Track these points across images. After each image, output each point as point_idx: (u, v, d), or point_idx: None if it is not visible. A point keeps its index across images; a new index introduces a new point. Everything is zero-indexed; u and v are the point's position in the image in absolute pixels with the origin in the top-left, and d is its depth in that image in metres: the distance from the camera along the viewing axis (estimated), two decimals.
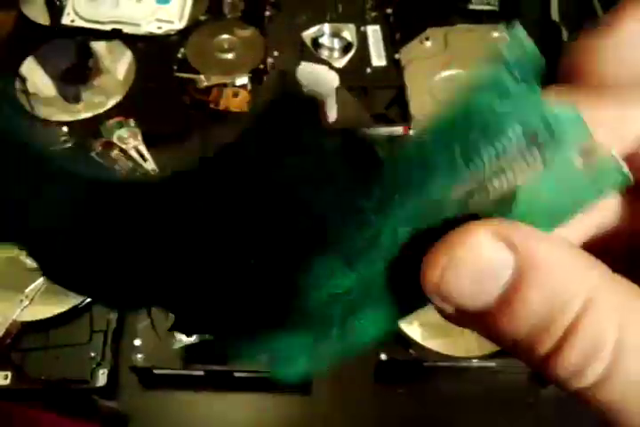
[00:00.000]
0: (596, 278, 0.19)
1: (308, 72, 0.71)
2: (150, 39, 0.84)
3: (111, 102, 0.80)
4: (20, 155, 0.25)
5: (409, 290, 0.20)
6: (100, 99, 0.81)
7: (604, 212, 0.22)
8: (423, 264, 0.20)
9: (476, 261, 0.19)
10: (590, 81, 0.23)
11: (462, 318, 0.20)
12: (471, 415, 0.63)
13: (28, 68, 0.84)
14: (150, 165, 0.72)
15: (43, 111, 0.79)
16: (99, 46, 0.85)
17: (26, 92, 0.82)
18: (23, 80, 0.83)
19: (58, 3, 0.88)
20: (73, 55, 0.85)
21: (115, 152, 0.73)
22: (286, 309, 0.21)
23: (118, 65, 0.84)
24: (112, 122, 0.74)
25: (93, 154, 0.73)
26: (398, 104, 0.77)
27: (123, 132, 0.73)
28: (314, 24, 0.83)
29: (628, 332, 0.18)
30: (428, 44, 0.81)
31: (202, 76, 0.79)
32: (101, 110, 0.79)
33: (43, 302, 0.64)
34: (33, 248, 0.26)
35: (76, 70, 0.84)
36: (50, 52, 0.85)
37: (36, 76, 0.83)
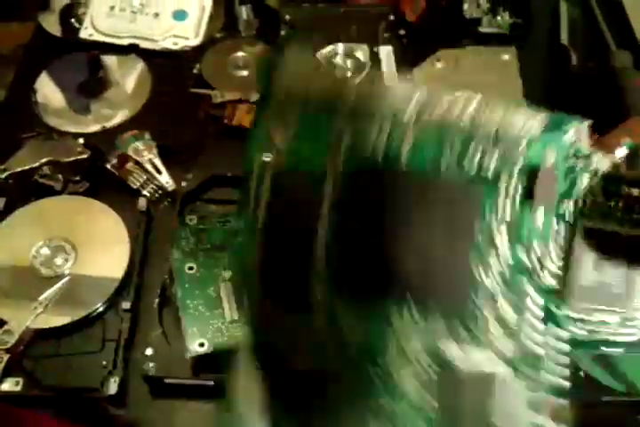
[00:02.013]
0: None
1: None
2: (166, 55, 0.86)
3: (120, 114, 0.81)
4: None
5: None
6: (109, 111, 0.82)
7: None
8: None
9: None
10: None
11: None
12: None
13: (42, 81, 0.85)
14: (165, 177, 0.73)
15: (52, 121, 0.81)
16: (109, 60, 0.87)
17: (36, 102, 0.83)
18: (36, 92, 0.84)
19: (75, 16, 0.90)
20: (85, 68, 0.86)
21: (130, 164, 0.74)
22: None
23: (128, 78, 0.85)
24: (127, 135, 0.75)
25: (109, 166, 0.74)
26: None
27: (138, 145, 0.74)
28: (327, 43, 0.84)
29: None
30: (440, 65, 0.82)
31: (216, 92, 0.80)
32: (110, 123, 0.80)
33: (56, 310, 0.64)
34: None
35: (88, 83, 0.85)
36: (65, 65, 0.87)
37: (47, 88, 0.84)
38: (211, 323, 0.61)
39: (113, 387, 0.62)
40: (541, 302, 0.25)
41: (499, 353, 0.24)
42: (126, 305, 0.65)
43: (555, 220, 0.25)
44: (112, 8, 0.88)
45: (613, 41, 0.82)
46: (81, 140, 0.75)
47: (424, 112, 0.26)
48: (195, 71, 0.83)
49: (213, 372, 0.62)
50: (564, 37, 0.86)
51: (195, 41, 0.86)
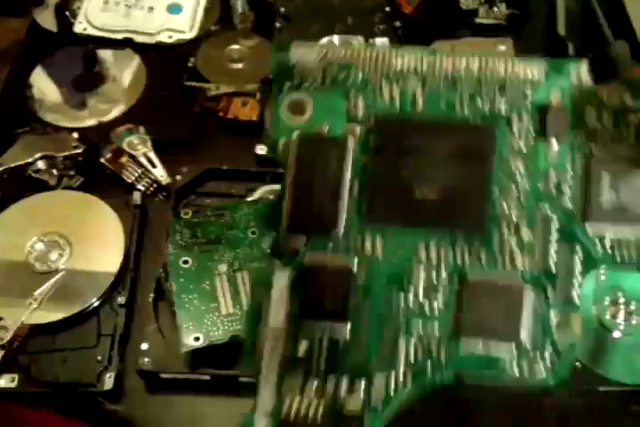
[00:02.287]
0: None
1: None
2: (161, 48, 0.85)
3: (116, 110, 0.81)
4: None
5: None
6: (105, 106, 0.82)
7: None
8: None
9: None
10: None
11: None
12: (472, 422, 0.64)
13: (37, 76, 0.85)
14: (159, 171, 0.73)
15: (48, 117, 0.80)
16: (105, 54, 0.86)
17: (32, 97, 0.82)
18: (31, 87, 0.84)
19: (69, 11, 0.89)
20: (80, 63, 0.86)
21: (124, 159, 0.73)
22: None
23: (124, 73, 0.85)
24: (122, 129, 0.75)
25: (103, 160, 0.73)
26: None
27: (133, 138, 0.74)
28: (323, 35, 0.84)
29: None
30: None
31: (211, 85, 0.80)
32: (107, 118, 0.80)
33: (51, 306, 0.64)
34: None
35: (83, 78, 0.85)
36: (60, 59, 0.86)
37: (43, 83, 0.84)
38: (206, 317, 0.61)
39: (109, 382, 0.62)
40: (558, 224, 0.26)
41: (517, 269, 0.27)
42: (121, 300, 0.65)
43: (569, 149, 0.27)
44: (106, 2, 0.87)
45: (611, 31, 0.82)
46: (75, 135, 0.75)
47: (433, 67, 0.29)
48: (190, 64, 0.82)
49: (209, 366, 0.61)
50: (561, 28, 0.86)
51: (190, 34, 0.86)
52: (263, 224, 0.28)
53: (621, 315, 0.64)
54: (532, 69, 0.28)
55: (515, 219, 0.27)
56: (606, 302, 0.64)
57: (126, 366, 0.63)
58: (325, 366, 0.27)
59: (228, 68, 0.82)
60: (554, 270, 0.26)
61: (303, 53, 0.29)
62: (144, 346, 0.62)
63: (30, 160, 0.72)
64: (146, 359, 0.61)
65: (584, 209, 0.26)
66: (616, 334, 0.64)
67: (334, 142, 0.28)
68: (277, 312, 0.28)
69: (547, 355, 0.27)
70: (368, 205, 0.28)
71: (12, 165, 0.72)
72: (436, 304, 0.27)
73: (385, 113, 0.28)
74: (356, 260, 0.27)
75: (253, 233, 0.65)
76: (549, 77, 0.28)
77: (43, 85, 0.84)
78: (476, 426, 0.64)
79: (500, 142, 0.27)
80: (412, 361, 0.27)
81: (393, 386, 0.27)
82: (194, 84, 0.80)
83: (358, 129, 0.28)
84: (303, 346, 0.27)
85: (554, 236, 0.26)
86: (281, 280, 0.28)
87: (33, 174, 0.72)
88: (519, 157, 0.27)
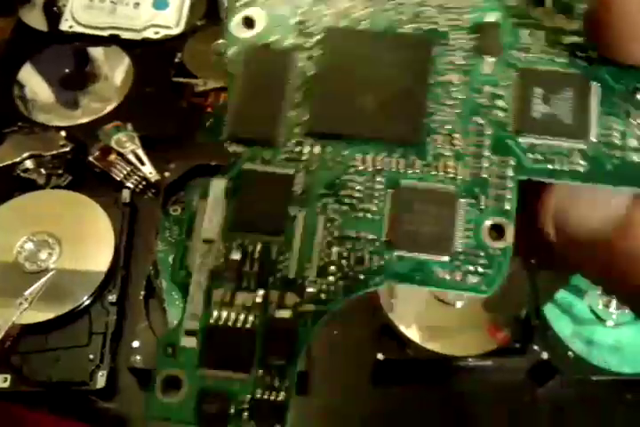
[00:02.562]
0: None
1: None
2: (148, 44, 0.85)
3: (109, 108, 0.81)
4: None
5: None
6: (98, 104, 0.81)
7: None
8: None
9: None
10: None
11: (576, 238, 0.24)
12: (468, 414, 0.64)
13: (26, 74, 0.84)
14: (148, 168, 0.72)
15: (40, 117, 0.80)
16: (96, 52, 0.86)
17: (23, 97, 0.82)
18: (21, 86, 0.83)
19: (55, 9, 0.89)
20: (71, 61, 0.86)
21: (112, 156, 0.73)
22: None
23: (116, 71, 0.84)
24: (110, 126, 0.75)
25: (91, 158, 0.73)
26: None
27: (121, 136, 0.74)
28: None
29: None
30: None
31: (199, 81, 0.79)
32: (99, 116, 0.80)
33: (42, 305, 0.64)
34: None
35: (74, 76, 0.85)
36: (48, 58, 0.86)
37: (33, 82, 0.84)
38: None
39: (101, 380, 0.61)
40: (491, 135, 0.28)
41: (450, 178, 0.28)
42: (112, 298, 0.65)
43: (503, 66, 0.29)
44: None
45: None
46: (63, 133, 0.74)
47: None
48: (177, 60, 0.82)
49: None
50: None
51: (176, 30, 0.86)
52: (209, 135, 0.28)
53: (614, 304, 0.64)
54: None
55: (449, 130, 0.28)
56: (599, 292, 0.64)
57: (118, 364, 0.63)
58: (256, 279, 0.27)
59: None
60: (486, 178, 0.28)
61: None
62: (136, 344, 0.62)
63: (18, 160, 0.72)
64: (138, 357, 0.61)
65: (516, 121, 0.27)
66: (609, 324, 0.64)
67: (281, 54, 0.29)
68: (210, 223, 0.28)
69: (479, 261, 0.27)
70: (309, 115, 0.28)
71: (0, 164, 0.71)
72: (370, 213, 0.28)
73: (332, 27, 0.30)
74: (293, 170, 0.28)
75: None
76: (487, 2, 0.30)
77: (34, 85, 0.84)
78: (472, 418, 0.64)
79: (438, 57, 0.29)
80: (345, 269, 0.28)
81: (324, 295, 0.28)
82: (181, 79, 0.80)
83: (305, 42, 0.29)
84: (234, 258, 0.27)
85: (486, 147, 0.28)
86: (216, 190, 0.28)
87: (21, 174, 0.72)
88: (455, 71, 0.29)
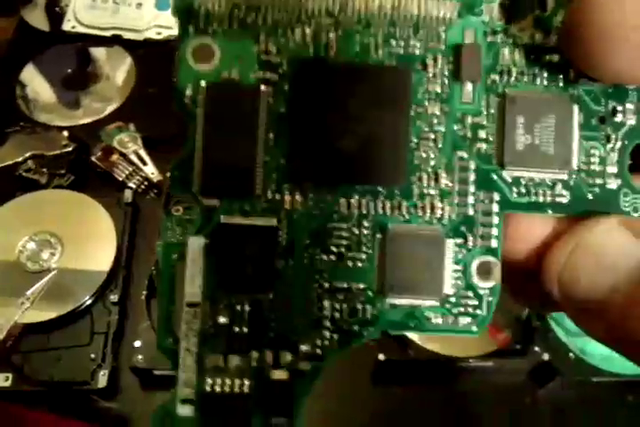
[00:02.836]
0: None
1: None
2: (150, 45, 0.85)
3: (110, 108, 0.81)
4: None
5: None
6: (99, 104, 0.82)
7: None
8: (547, 252, 0.23)
9: (604, 245, 0.22)
10: None
11: (583, 309, 0.22)
12: (469, 415, 0.64)
13: (28, 74, 0.84)
14: (150, 168, 0.72)
15: (42, 117, 0.80)
16: (98, 53, 0.86)
17: (25, 97, 0.82)
18: (23, 86, 0.83)
19: (58, 9, 0.89)
20: (73, 61, 0.86)
21: (115, 157, 0.73)
22: None
23: (118, 71, 0.85)
24: (112, 127, 0.75)
25: (93, 158, 0.73)
26: None
27: (123, 136, 0.74)
28: None
29: None
30: None
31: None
32: (100, 116, 0.80)
33: (44, 305, 0.64)
34: None
35: (76, 76, 0.85)
36: (50, 58, 0.86)
37: (35, 82, 0.84)
38: None
39: (102, 380, 0.62)
40: (475, 169, 0.27)
41: (437, 219, 0.27)
42: (114, 298, 0.65)
43: (484, 93, 0.28)
44: (94, 0, 0.87)
45: None
46: (65, 134, 0.74)
47: (346, 8, 0.28)
48: None
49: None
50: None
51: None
52: (175, 189, 0.25)
53: None
54: (446, 8, 0.28)
55: (433, 167, 0.27)
56: None
57: (120, 364, 0.63)
58: (248, 340, 0.26)
59: None
60: (472, 216, 0.27)
61: None
62: (137, 343, 0.62)
63: (20, 159, 0.72)
64: (139, 357, 0.61)
65: (499, 153, 0.27)
66: None
67: (246, 90, 0.27)
68: (192, 286, 0.26)
69: (469, 302, 0.27)
70: (286, 159, 0.27)
71: (3, 164, 0.72)
72: (359, 260, 0.27)
73: (298, 57, 0.28)
74: (275, 220, 0.26)
75: None
76: (462, 16, 0.28)
77: (36, 85, 0.84)
78: (473, 419, 0.64)
79: (416, 86, 0.27)
80: (339, 322, 0.27)
81: (320, 351, 0.27)
82: None
83: (270, 75, 0.27)
84: (223, 322, 0.26)
85: (471, 182, 0.27)
86: (194, 247, 0.27)
87: (23, 173, 0.72)
88: (435, 100, 0.28)
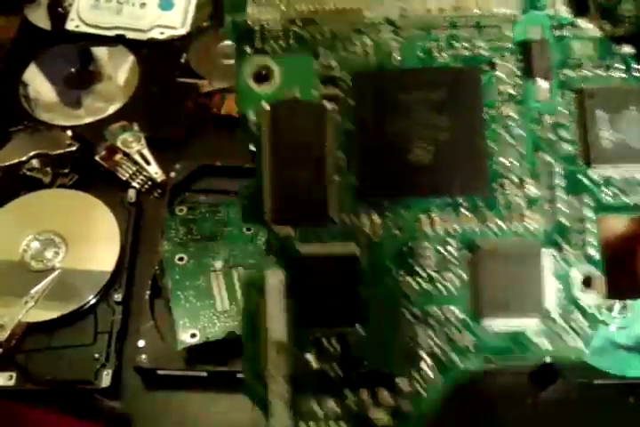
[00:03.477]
0: None
1: None
2: (153, 45, 0.85)
3: (112, 108, 0.81)
4: None
5: None
6: (101, 104, 0.82)
7: None
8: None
9: None
10: None
11: None
12: (469, 418, 0.64)
13: (30, 73, 0.84)
14: (154, 168, 0.73)
15: (43, 115, 0.80)
16: (100, 52, 0.86)
17: (27, 96, 0.82)
18: (25, 85, 0.83)
19: (61, 8, 0.89)
20: (75, 61, 0.86)
21: (118, 156, 0.73)
22: None
23: (120, 71, 0.85)
24: (116, 126, 0.75)
25: (97, 158, 0.73)
26: None
27: (127, 136, 0.74)
28: None
29: None
30: None
31: (204, 82, 0.79)
32: (102, 116, 0.80)
33: (47, 304, 0.64)
34: None
35: (78, 76, 0.85)
36: (53, 57, 0.86)
37: (37, 81, 0.84)
38: (202, 313, 0.61)
39: (106, 379, 0.62)
40: (562, 172, 0.25)
41: (527, 229, 0.25)
42: (118, 297, 0.65)
43: (558, 89, 0.26)
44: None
45: None
46: (69, 133, 0.75)
47: (404, 14, 0.27)
48: (182, 61, 0.82)
49: (206, 363, 0.61)
50: None
51: (182, 30, 0.86)
52: (246, 218, 0.23)
53: (617, 308, 0.64)
54: (508, 5, 0.27)
55: (516, 172, 0.25)
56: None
57: (123, 364, 0.64)
58: (340, 378, 0.24)
59: (221, 64, 0.82)
60: (566, 224, 0.25)
61: (261, 12, 0.26)
62: (141, 343, 0.62)
63: (24, 158, 0.72)
64: (143, 356, 0.61)
65: (584, 152, 0.25)
66: (612, 328, 0.64)
67: (311, 108, 0.26)
68: (275, 323, 0.24)
69: (572, 317, 0.25)
70: (358, 177, 0.25)
71: (7, 163, 0.72)
72: (450, 282, 0.25)
73: (360, 69, 0.26)
74: (354, 245, 0.25)
75: (249, 229, 0.65)
76: (526, 12, 0.27)
77: (38, 84, 0.84)
78: (474, 422, 0.64)
79: (486, 87, 0.26)
80: (437, 353, 0.25)
81: (420, 386, 0.25)
82: (187, 80, 0.80)
83: (333, 91, 0.26)
84: (311, 360, 0.24)
85: (559, 186, 0.25)
86: (273, 284, 0.25)
87: (27, 173, 0.72)
88: (509, 102, 0.26)
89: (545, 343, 0.25)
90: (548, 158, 0.25)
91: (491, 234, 0.25)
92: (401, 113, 0.26)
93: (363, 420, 0.24)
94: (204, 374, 0.62)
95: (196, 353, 0.61)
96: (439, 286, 0.25)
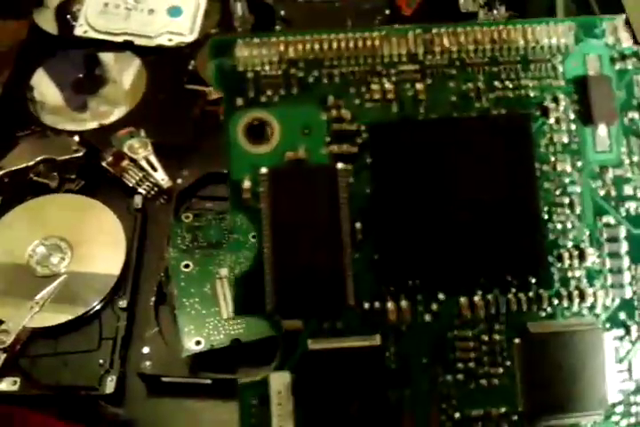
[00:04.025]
0: None
1: None
2: (161, 51, 0.85)
3: (117, 112, 0.81)
4: None
5: None
6: (106, 108, 0.82)
7: None
8: None
9: None
10: None
11: None
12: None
13: (38, 78, 0.85)
14: (160, 175, 0.73)
15: (48, 119, 0.80)
16: (107, 57, 0.87)
17: (34, 100, 0.83)
18: (32, 89, 0.84)
19: (69, 14, 0.89)
20: (82, 66, 0.86)
21: (125, 162, 0.74)
22: None
23: (125, 75, 0.85)
24: (123, 132, 0.75)
25: (104, 163, 0.73)
26: None
27: (133, 142, 0.74)
28: None
29: None
30: None
31: (212, 89, 0.80)
32: (108, 120, 0.80)
33: (52, 309, 0.64)
34: None
35: (84, 80, 0.85)
36: (60, 62, 0.86)
37: (43, 86, 0.84)
38: (207, 321, 0.61)
39: (110, 386, 0.62)
40: (625, 233, 0.20)
41: (587, 307, 0.20)
42: (123, 303, 0.65)
43: (622, 136, 0.21)
44: (106, 5, 0.87)
45: None
46: (76, 138, 0.75)
47: (432, 48, 0.21)
48: (190, 68, 0.82)
49: (210, 370, 0.62)
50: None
51: (190, 37, 0.86)
52: (242, 310, 0.18)
53: None
54: (558, 33, 0.21)
55: (574, 240, 0.20)
56: None
57: (128, 370, 0.64)
58: None
59: None
60: (632, 298, 0.20)
61: (252, 54, 0.21)
62: (145, 350, 0.62)
63: (31, 163, 0.72)
64: (147, 363, 0.61)
65: None
66: None
67: (319, 172, 0.20)
68: None
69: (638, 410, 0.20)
70: (381, 254, 0.20)
71: (14, 168, 0.72)
72: (495, 377, 0.20)
73: (380, 121, 0.21)
74: (379, 337, 0.19)
75: (254, 237, 0.65)
76: (580, 41, 0.21)
77: (44, 88, 0.84)
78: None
79: (536, 137, 0.21)
80: None
81: None
82: (194, 87, 0.80)
83: (347, 148, 0.21)
84: None
85: (625, 254, 0.20)
86: (278, 386, 0.19)
87: (34, 178, 0.72)
88: (564, 154, 0.21)
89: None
90: (612, 221, 0.21)
91: (545, 316, 0.20)
92: (432, 173, 0.20)
93: None
94: (209, 381, 0.62)
95: (201, 360, 0.61)
96: (483, 382, 0.20)
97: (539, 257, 0.19)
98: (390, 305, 0.19)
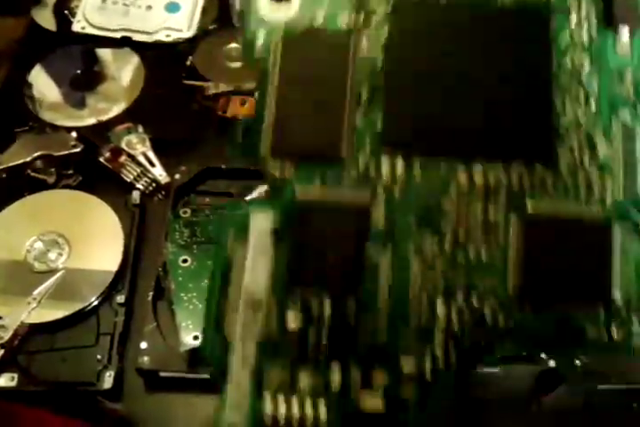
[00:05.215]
0: None
1: None
2: (159, 47, 0.85)
3: (116, 108, 0.81)
4: None
5: None
6: (104, 104, 0.82)
7: None
8: None
9: None
10: None
11: None
12: (473, 422, 0.64)
13: (36, 74, 0.85)
14: (158, 170, 0.73)
15: (46, 115, 0.80)
16: (105, 53, 0.86)
17: (32, 97, 0.82)
18: (30, 86, 0.83)
19: (67, 10, 0.89)
20: (79, 62, 0.86)
21: (123, 158, 0.73)
22: None
23: (124, 72, 0.85)
24: (121, 128, 0.75)
25: (102, 159, 0.73)
26: None
27: (131, 137, 0.74)
28: None
29: None
30: None
31: (210, 84, 0.79)
32: (106, 117, 0.80)
33: (50, 305, 0.64)
34: None
35: (82, 77, 0.85)
36: (58, 58, 0.86)
37: (42, 82, 0.84)
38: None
39: (108, 381, 0.62)
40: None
41: (596, 199, 0.20)
42: (121, 299, 0.65)
43: None
44: (104, 1, 0.87)
45: None
46: (74, 134, 0.75)
47: None
48: (188, 63, 0.82)
49: (209, 365, 0.61)
50: None
51: (188, 33, 0.86)
52: (235, 151, 0.18)
53: None
54: None
55: (587, 132, 0.20)
56: None
57: (126, 365, 0.63)
58: (327, 349, 0.19)
59: (227, 67, 0.82)
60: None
61: None
62: (143, 345, 0.62)
63: (29, 159, 0.72)
64: (145, 358, 0.61)
65: None
66: None
67: (334, 39, 0.20)
68: (255, 273, 0.19)
69: None
70: (385, 119, 0.20)
71: (11, 164, 0.72)
72: (487, 251, 0.19)
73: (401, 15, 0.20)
74: (369, 195, 0.19)
75: None
76: None
77: (42, 84, 0.84)
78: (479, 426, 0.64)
79: (557, 34, 0.20)
80: (457, 334, 0.20)
81: (429, 370, 0.19)
82: (192, 82, 0.80)
83: (367, 19, 0.20)
84: (293, 321, 0.19)
85: (639, 150, 0.20)
86: (260, 228, 0.19)
87: (32, 173, 0.72)
88: (583, 51, 0.20)
89: (603, 337, 0.20)
90: (628, 117, 0.20)
91: (549, 201, 0.20)
92: (447, 53, 0.20)
93: (346, 400, 0.19)
94: (207, 376, 0.61)
95: (199, 355, 0.61)
96: (472, 253, 0.19)
97: (548, 142, 0.19)
98: (385, 167, 0.18)
